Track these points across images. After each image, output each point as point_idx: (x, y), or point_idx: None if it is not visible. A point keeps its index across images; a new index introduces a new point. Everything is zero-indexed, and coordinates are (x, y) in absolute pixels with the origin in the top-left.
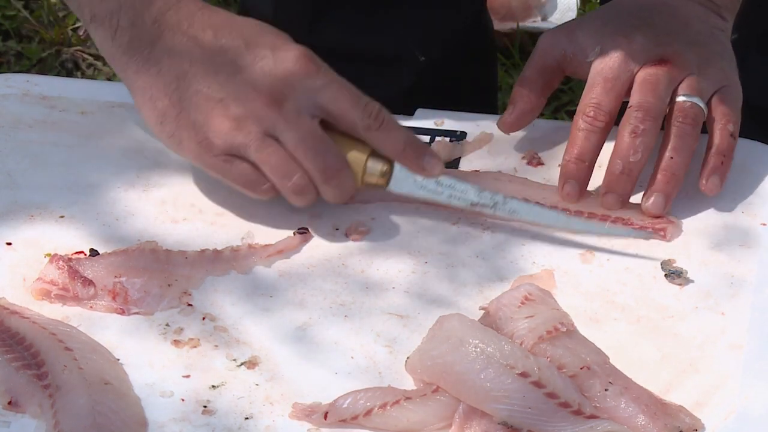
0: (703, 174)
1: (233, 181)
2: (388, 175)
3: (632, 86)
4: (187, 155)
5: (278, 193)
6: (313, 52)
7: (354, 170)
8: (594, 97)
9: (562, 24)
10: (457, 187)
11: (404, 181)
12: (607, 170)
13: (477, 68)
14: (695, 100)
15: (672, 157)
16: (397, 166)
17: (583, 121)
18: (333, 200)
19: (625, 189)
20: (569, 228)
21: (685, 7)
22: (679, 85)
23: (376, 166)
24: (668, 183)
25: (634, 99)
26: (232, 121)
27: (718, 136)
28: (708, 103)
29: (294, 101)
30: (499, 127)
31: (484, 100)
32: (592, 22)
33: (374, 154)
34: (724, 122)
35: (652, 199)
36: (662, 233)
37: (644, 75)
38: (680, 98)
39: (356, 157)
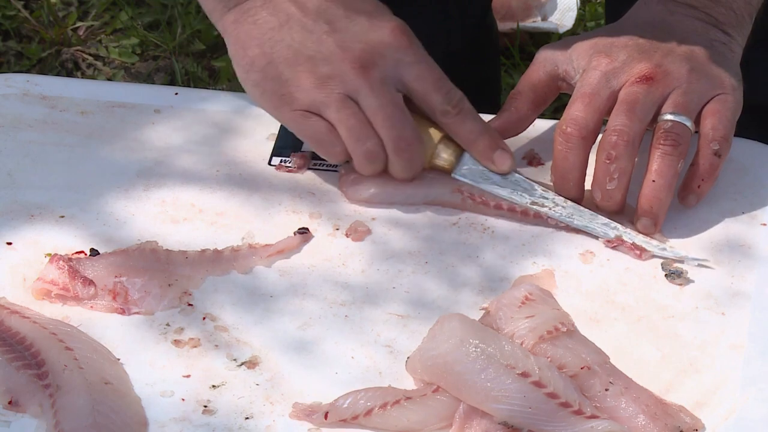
0: (680, 192)
1: (307, 137)
2: (456, 161)
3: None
4: (266, 106)
5: (347, 159)
6: (408, 27)
7: (425, 150)
8: (572, 112)
9: (561, 40)
10: (522, 184)
11: (471, 170)
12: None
13: (481, 68)
14: (679, 118)
15: (654, 180)
16: (466, 155)
17: (560, 138)
18: (399, 174)
19: (613, 210)
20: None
21: (681, 23)
22: (664, 101)
23: (446, 151)
24: (652, 207)
25: (611, 122)
26: (317, 79)
27: (700, 156)
28: (700, 112)
29: (381, 70)
30: None
31: (486, 100)
32: (585, 41)
33: (446, 138)
34: (709, 138)
35: (640, 223)
36: (638, 252)
37: (624, 95)
38: (664, 117)
39: (429, 138)
